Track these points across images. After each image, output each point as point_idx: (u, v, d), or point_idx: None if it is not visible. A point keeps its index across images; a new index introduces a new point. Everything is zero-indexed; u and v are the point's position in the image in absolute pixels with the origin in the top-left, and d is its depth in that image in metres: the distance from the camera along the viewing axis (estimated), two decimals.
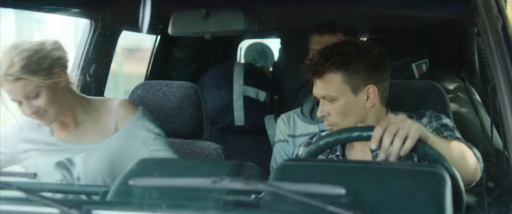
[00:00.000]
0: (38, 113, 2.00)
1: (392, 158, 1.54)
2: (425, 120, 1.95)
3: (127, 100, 2.21)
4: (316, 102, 2.72)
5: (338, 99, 1.90)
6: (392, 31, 3.63)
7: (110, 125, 2.13)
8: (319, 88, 1.93)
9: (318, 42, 2.64)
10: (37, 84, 1.95)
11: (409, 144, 1.52)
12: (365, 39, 3.90)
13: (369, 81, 1.90)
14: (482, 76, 2.92)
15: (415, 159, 1.90)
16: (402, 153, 1.54)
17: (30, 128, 2.16)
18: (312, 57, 1.96)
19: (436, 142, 1.58)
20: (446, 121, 1.93)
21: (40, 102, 1.98)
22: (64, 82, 2.05)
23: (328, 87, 1.91)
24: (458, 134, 1.86)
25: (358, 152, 1.99)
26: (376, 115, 1.94)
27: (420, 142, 1.54)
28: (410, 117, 1.99)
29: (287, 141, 2.64)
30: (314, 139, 2.11)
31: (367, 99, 1.91)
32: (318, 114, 1.96)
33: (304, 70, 1.97)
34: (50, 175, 2.07)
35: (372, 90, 1.90)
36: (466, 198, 1.50)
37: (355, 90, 1.90)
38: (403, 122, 1.55)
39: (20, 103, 1.99)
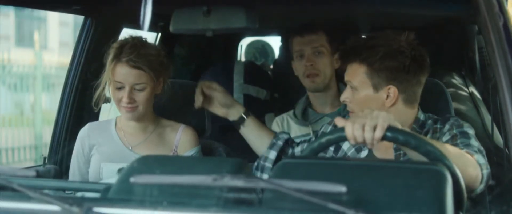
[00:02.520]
0: (132, 105, 2.13)
1: (369, 147, 1.58)
2: (447, 126, 1.93)
3: (191, 129, 2.32)
4: (308, 104, 2.73)
5: (358, 90, 1.93)
6: (392, 29, 3.62)
7: (172, 146, 2.26)
8: (346, 72, 1.98)
9: (299, 43, 2.63)
10: (148, 80, 2.13)
11: (378, 133, 1.53)
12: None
13: (391, 82, 1.90)
14: (483, 74, 2.92)
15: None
16: (375, 142, 1.56)
17: (98, 134, 2.26)
18: (347, 42, 1.99)
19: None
20: (468, 129, 1.91)
21: (141, 97, 2.13)
22: (160, 90, 2.22)
23: (352, 75, 1.95)
24: (474, 142, 1.84)
25: (382, 151, 2.00)
26: (398, 116, 1.86)
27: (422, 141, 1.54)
28: (436, 120, 1.98)
29: None
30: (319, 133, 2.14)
31: (386, 98, 1.91)
32: (342, 97, 2.00)
33: (338, 54, 2.02)
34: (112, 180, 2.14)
35: (392, 91, 1.90)
36: (467, 196, 1.49)
37: (376, 87, 1.91)
38: (371, 113, 1.57)
39: (120, 89, 2.13)
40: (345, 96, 1.97)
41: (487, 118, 2.73)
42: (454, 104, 2.37)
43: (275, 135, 2.26)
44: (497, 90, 1.51)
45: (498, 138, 2.44)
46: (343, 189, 1.19)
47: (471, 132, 1.91)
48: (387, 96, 1.90)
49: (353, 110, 1.96)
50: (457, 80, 2.95)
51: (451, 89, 2.81)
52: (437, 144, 1.60)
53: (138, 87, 2.12)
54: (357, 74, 1.92)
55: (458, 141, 1.84)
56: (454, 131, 1.89)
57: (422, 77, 1.95)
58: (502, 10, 1.60)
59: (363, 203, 1.21)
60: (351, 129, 1.57)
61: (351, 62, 1.94)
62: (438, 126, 1.96)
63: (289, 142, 2.25)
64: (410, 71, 1.90)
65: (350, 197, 1.20)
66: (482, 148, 1.84)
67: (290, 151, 2.23)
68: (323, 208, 1.18)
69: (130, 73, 2.10)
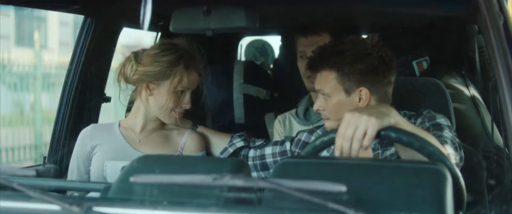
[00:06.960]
0: (190, 104, 2.20)
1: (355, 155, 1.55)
2: (419, 120, 1.95)
3: (198, 134, 2.32)
4: (310, 104, 2.73)
5: (330, 96, 1.96)
6: (393, 29, 3.62)
7: (177, 147, 2.26)
8: (316, 82, 2.00)
9: (303, 44, 2.63)
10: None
11: (367, 142, 1.52)
12: (365, 36, 3.89)
13: (362, 84, 1.92)
14: (483, 73, 2.92)
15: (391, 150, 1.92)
16: (364, 149, 1.55)
17: (101, 134, 2.27)
18: (315, 51, 2.02)
19: (401, 125, 1.56)
20: (441, 120, 1.92)
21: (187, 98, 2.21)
22: None
23: (323, 83, 1.97)
24: (447, 133, 1.85)
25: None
26: None
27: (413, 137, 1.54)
28: (410, 117, 1.99)
29: None
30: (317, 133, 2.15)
31: (359, 101, 1.93)
32: (315, 106, 2.02)
33: (307, 63, 2.04)
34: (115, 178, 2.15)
35: (364, 93, 1.92)
36: (467, 196, 1.50)
37: (348, 91, 1.94)
38: (359, 120, 1.53)
39: (181, 92, 2.19)
40: (319, 105, 2.00)
41: (487, 118, 2.73)
42: (454, 104, 2.37)
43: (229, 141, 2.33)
44: (497, 90, 1.51)
45: (498, 137, 2.44)
46: (343, 188, 1.19)
47: (444, 123, 1.91)
48: (359, 98, 1.93)
49: (327, 117, 1.99)
50: (457, 80, 2.95)
51: (451, 88, 2.81)
52: (411, 128, 1.59)
53: (194, 86, 2.21)
54: (328, 81, 1.95)
55: (433, 133, 1.83)
56: (427, 124, 1.91)
57: (391, 77, 1.97)
58: (502, 10, 1.60)
59: (363, 203, 1.21)
60: (340, 140, 1.55)
61: (321, 70, 1.97)
62: (412, 121, 1.97)
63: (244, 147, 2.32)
64: (379, 72, 1.93)
65: (350, 197, 1.20)
66: (456, 140, 1.85)
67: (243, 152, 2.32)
68: (323, 208, 1.18)
69: (197, 80, 2.22)
